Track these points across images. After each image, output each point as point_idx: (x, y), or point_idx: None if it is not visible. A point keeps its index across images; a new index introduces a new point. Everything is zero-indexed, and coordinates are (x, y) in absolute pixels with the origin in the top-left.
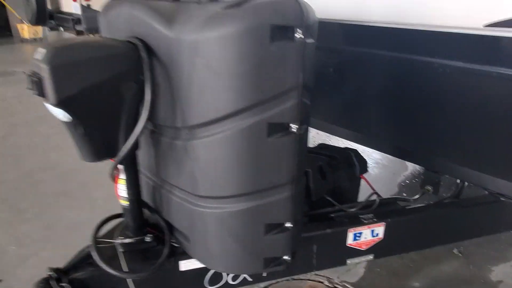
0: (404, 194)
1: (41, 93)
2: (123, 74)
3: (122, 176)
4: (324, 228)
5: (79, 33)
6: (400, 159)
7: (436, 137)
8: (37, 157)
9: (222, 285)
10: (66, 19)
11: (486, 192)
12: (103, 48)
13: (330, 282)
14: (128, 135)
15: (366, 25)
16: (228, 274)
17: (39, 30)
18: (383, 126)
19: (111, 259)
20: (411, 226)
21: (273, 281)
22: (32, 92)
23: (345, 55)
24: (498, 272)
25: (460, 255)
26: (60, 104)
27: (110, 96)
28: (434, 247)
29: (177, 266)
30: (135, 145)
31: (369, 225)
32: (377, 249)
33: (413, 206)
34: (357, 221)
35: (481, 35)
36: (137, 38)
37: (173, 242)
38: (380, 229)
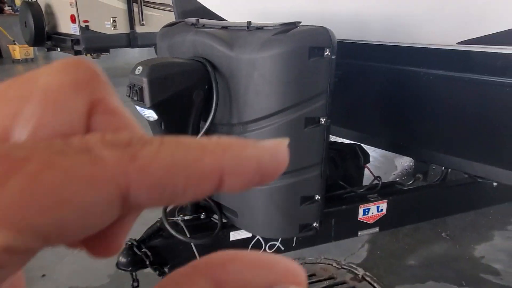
0: None
1: (141, 99)
2: (195, 85)
3: None
4: (340, 205)
5: (77, 53)
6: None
7: (424, 132)
8: None
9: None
10: (64, 39)
11: (466, 176)
12: (181, 66)
13: (338, 264)
14: (194, 132)
15: (365, 43)
16: (265, 244)
17: (30, 51)
18: (379, 126)
19: (177, 231)
20: (408, 203)
21: None
22: (130, 99)
23: (347, 67)
24: (480, 250)
25: (448, 237)
26: (152, 107)
27: (185, 101)
28: (425, 232)
29: (228, 236)
30: None
31: (375, 202)
32: (381, 223)
33: (408, 187)
34: (365, 199)
35: (455, 49)
36: (202, 57)
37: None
38: (383, 205)
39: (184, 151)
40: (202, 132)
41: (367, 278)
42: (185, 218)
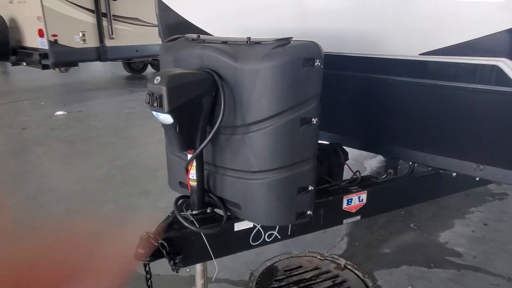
0: None
1: (160, 105)
2: (204, 92)
3: (194, 164)
4: (327, 196)
5: (44, 67)
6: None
7: (392, 132)
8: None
9: (261, 241)
10: (31, 54)
11: (430, 168)
12: (194, 75)
13: (321, 256)
14: (202, 134)
15: (340, 55)
16: (264, 233)
17: None
18: (353, 128)
19: (189, 224)
20: (384, 194)
21: (277, 258)
22: (148, 106)
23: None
24: (444, 236)
25: (416, 227)
26: (170, 112)
27: (196, 106)
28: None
29: (232, 227)
30: (209, 141)
31: (356, 193)
32: (362, 211)
33: (383, 180)
34: (348, 191)
35: (418, 60)
36: (209, 69)
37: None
38: (364, 196)
39: None
40: (211, 134)
41: (349, 267)
42: (193, 212)
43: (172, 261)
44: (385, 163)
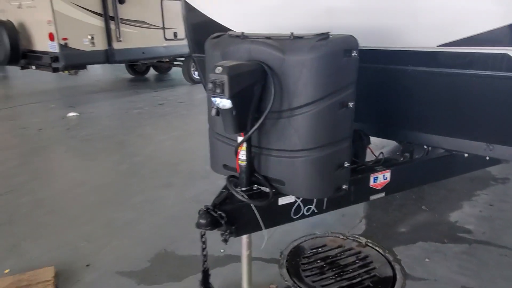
0: None
1: (222, 92)
2: (256, 81)
3: (244, 145)
4: (357, 175)
5: (55, 70)
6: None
7: (409, 118)
8: (63, 177)
9: (300, 215)
10: (40, 57)
11: (443, 150)
12: (248, 66)
13: (344, 236)
14: (253, 118)
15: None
16: (304, 207)
17: None
18: (374, 116)
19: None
20: (405, 173)
21: (303, 238)
22: (210, 93)
23: None
24: (454, 216)
25: (427, 209)
26: (230, 97)
27: (249, 93)
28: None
29: (277, 201)
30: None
31: (381, 172)
32: (387, 188)
33: (404, 161)
34: (374, 170)
35: (436, 51)
36: (258, 60)
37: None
38: (388, 174)
39: None
40: (262, 117)
41: (370, 244)
42: (243, 189)
43: (228, 231)
44: (400, 149)
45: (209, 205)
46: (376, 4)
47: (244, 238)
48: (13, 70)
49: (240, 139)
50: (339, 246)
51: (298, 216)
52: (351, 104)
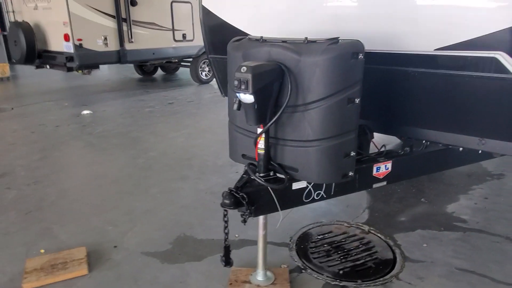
0: None
1: (246, 88)
2: (275, 78)
3: (263, 136)
4: (361, 164)
5: (69, 69)
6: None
7: (409, 115)
8: (84, 170)
9: (311, 199)
10: (55, 57)
11: (440, 145)
12: (269, 66)
13: (348, 224)
14: (271, 112)
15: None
16: (314, 192)
17: (6, 70)
18: (377, 113)
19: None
20: (405, 164)
21: (310, 225)
22: (236, 89)
23: None
24: (451, 208)
25: (426, 201)
26: (253, 93)
27: (269, 89)
28: (408, 199)
29: (291, 186)
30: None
31: (383, 162)
32: (388, 177)
33: (404, 153)
34: (376, 161)
35: (433, 54)
36: (277, 61)
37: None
38: (389, 165)
39: None
40: (281, 111)
41: (372, 231)
42: (261, 175)
43: (248, 211)
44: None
45: (232, 188)
46: (379, 11)
47: (261, 219)
48: (23, 70)
49: (259, 130)
50: (343, 233)
51: (309, 200)
52: (357, 100)
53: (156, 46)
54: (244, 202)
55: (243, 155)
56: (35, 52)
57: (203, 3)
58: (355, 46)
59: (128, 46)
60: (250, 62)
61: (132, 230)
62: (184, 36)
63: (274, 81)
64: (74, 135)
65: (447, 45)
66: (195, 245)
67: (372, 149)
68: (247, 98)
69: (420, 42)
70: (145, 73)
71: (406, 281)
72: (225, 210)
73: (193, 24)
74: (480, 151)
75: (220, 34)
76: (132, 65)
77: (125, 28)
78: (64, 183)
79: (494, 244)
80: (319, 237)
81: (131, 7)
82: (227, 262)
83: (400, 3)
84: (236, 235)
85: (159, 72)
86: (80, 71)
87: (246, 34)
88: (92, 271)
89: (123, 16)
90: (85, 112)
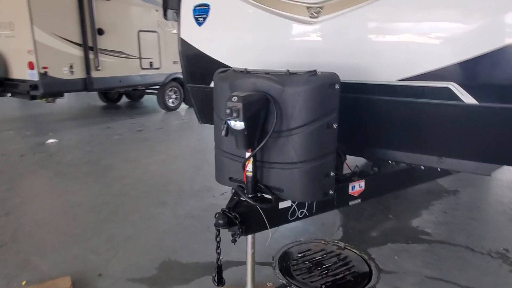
0: None
1: (237, 116)
2: (262, 107)
3: (250, 160)
4: (338, 183)
5: (33, 98)
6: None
7: (376, 138)
8: (57, 199)
9: (295, 217)
10: (17, 85)
11: (404, 164)
12: (256, 96)
13: (325, 241)
14: (258, 137)
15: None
16: (298, 210)
17: None
18: (347, 137)
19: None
20: (376, 182)
21: (290, 245)
22: (228, 117)
23: None
24: (415, 222)
25: (393, 218)
26: (244, 120)
27: (257, 117)
28: (377, 216)
29: (277, 205)
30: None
31: (357, 181)
32: (362, 195)
33: (375, 173)
34: (351, 180)
35: (396, 84)
36: (262, 91)
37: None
38: (362, 183)
39: None
40: (268, 136)
41: (348, 247)
42: (249, 196)
43: (240, 230)
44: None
45: (225, 208)
46: (349, 47)
47: (249, 238)
48: None
49: (247, 154)
50: (322, 250)
51: (293, 218)
52: (335, 125)
53: (123, 74)
54: (237, 222)
55: (231, 178)
56: None
57: (181, 35)
58: (332, 78)
59: (94, 74)
60: (240, 92)
61: (115, 257)
62: (151, 64)
63: (261, 109)
64: (42, 165)
65: (408, 76)
66: (181, 269)
67: (345, 170)
68: (238, 125)
69: (385, 73)
70: (110, 101)
71: None
72: (217, 230)
73: (159, 52)
74: (439, 169)
75: (198, 64)
76: (95, 92)
77: (91, 56)
78: (38, 213)
79: (456, 253)
80: (299, 255)
81: (98, 36)
82: (220, 281)
83: (367, 40)
84: (222, 258)
85: (124, 99)
86: (44, 99)
87: (224, 65)
88: None
89: (90, 44)
90: (51, 140)
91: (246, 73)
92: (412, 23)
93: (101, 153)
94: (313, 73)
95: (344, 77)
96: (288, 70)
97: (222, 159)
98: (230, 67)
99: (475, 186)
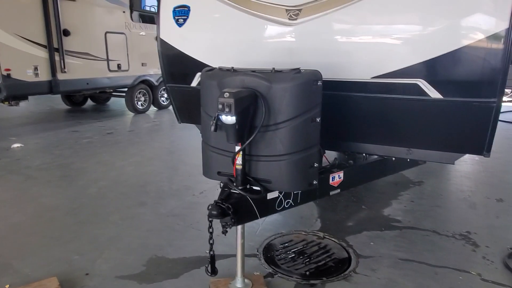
0: None
1: (229, 110)
2: (251, 102)
3: (240, 153)
4: (320, 174)
5: None
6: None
7: (350, 132)
8: (31, 203)
9: (282, 207)
10: None
11: (376, 156)
12: (247, 92)
13: (305, 232)
14: (247, 132)
15: None
16: (284, 200)
17: None
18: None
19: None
20: (354, 173)
21: (272, 237)
22: (220, 112)
23: None
24: (386, 211)
25: (366, 208)
26: (235, 114)
27: (247, 112)
28: (351, 207)
29: (266, 196)
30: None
31: (337, 172)
32: (341, 185)
33: (352, 164)
34: (331, 171)
35: (370, 81)
36: (251, 88)
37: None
38: (341, 174)
39: None
40: (257, 131)
41: (327, 237)
42: (240, 187)
43: (232, 220)
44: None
45: (218, 200)
46: (326, 46)
47: (239, 228)
48: None
49: (237, 148)
50: (303, 240)
51: (280, 208)
52: (318, 119)
53: (91, 76)
54: (230, 212)
55: (219, 172)
56: None
57: (161, 36)
58: (315, 75)
59: (60, 76)
60: (230, 89)
61: (100, 257)
62: (119, 66)
63: (250, 105)
64: (10, 169)
65: (380, 74)
66: (169, 264)
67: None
68: (230, 119)
69: (359, 72)
70: (74, 104)
71: (363, 274)
72: (210, 222)
73: (127, 54)
74: (408, 160)
75: (178, 65)
76: (59, 96)
77: (57, 58)
78: (12, 217)
79: (424, 237)
80: (282, 245)
81: (64, 37)
82: (213, 271)
83: (342, 41)
84: (206, 251)
85: (89, 102)
86: (6, 103)
87: (206, 65)
88: None
89: (56, 46)
90: (16, 145)
91: (233, 71)
92: (383, 26)
93: (72, 157)
94: (297, 70)
95: (323, 75)
96: (273, 68)
97: (210, 154)
98: (212, 67)
99: (438, 177)
